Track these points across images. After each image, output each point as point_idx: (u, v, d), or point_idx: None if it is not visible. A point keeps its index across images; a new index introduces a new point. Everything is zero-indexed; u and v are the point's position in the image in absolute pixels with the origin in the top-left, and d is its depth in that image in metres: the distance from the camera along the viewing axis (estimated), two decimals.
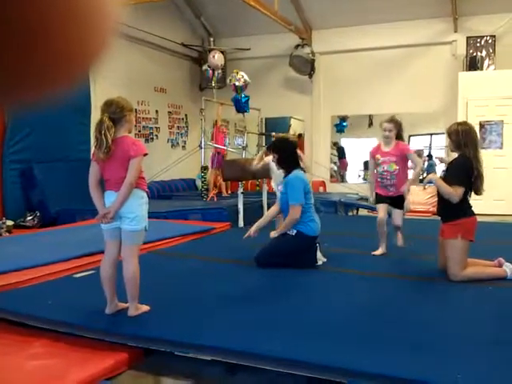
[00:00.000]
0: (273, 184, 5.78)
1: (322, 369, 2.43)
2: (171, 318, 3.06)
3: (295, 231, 4.54)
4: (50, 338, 2.98)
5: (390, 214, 5.07)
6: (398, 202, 4.93)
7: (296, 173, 4.61)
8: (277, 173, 5.20)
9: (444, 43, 10.68)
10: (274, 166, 5.15)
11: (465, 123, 4.35)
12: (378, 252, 4.99)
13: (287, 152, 4.72)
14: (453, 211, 3.96)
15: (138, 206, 2.99)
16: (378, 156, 4.92)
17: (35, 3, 0.34)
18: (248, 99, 9.39)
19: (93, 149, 8.76)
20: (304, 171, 4.78)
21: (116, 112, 2.94)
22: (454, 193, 3.92)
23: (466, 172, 3.95)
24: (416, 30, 10.62)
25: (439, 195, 4.15)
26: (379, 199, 4.97)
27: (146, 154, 3.01)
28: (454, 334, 2.82)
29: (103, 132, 2.86)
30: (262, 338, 2.74)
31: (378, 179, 4.96)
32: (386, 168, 4.87)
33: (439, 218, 4.21)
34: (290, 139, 5.11)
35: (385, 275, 4.25)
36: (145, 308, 3.14)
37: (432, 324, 3.01)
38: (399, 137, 4.97)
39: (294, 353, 2.56)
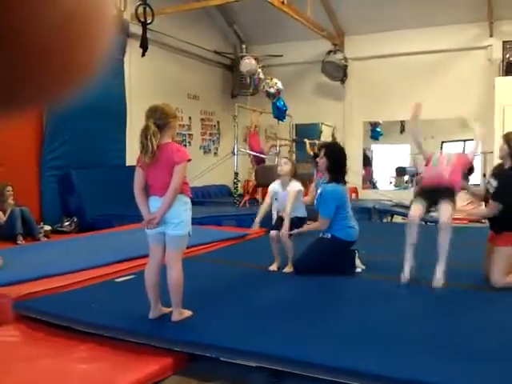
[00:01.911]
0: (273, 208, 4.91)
1: (367, 377, 2.40)
2: (214, 324, 3.06)
3: (330, 235, 4.54)
4: (94, 342, 3.01)
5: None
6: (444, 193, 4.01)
7: (332, 186, 4.56)
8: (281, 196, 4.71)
9: (479, 48, 10.51)
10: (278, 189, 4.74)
11: None
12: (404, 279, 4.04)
13: (338, 161, 4.65)
14: (508, 222, 3.92)
15: (183, 211, 3.01)
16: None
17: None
18: (287, 110, 9.46)
19: (128, 154, 8.85)
20: (345, 183, 4.73)
21: (161, 118, 2.97)
22: (490, 211, 3.97)
23: None
24: (450, 35, 10.48)
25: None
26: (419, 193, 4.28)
27: (189, 160, 3.03)
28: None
29: (149, 137, 2.90)
30: (305, 345, 2.72)
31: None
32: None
33: (489, 226, 4.16)
34: (343, 149, 4.86)
35: (423, 282, 4.17)
36: (188, 313, 3.15)
37: (478, 331, 2.94)
38: None
39: (338, 360, 2.53)
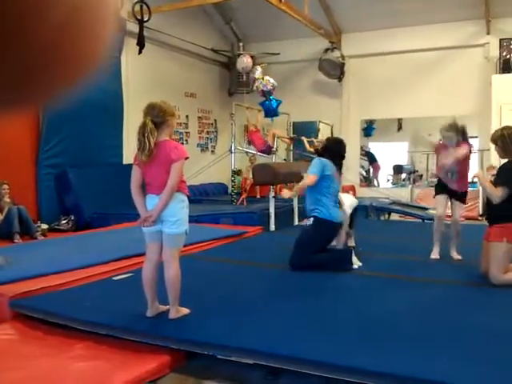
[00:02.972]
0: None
1: (368, 374, 2.40)
2: (212, 322, 3.06)
3: (312, 218, 4.63)
4: (91, 340, 3.01)
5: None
6: (459, 195, 4.92)
7: (322, 159, 4.74)
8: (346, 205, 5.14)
9: (476, 46, 10.52)
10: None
11: (509, 127, 4.28)
12: (434, 256, 4.94)
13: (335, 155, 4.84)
14: (502, 214, 3.93)
15: (180, 209, 3.01)
16: (442, 156, 4.90)
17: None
18: (280, 103, 9.42)
19: (125, 152, 8.82)
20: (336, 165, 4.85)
21: (159, 116, 2.96)
22: (496, 192, 3.93)
23: None
24: (448, 32, 10.49)
25: (488, 198, 4.12)
26: (439, 189, 4.97)
27: (187, 158, 3.03)
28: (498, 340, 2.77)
29: (146, 135, 2.89)
30: (303, 342, 2.73)
31: (442, 173, 4.96)
32: (448, 166, 4.82)
33: (486, 221, 4.17)
34: (343, 143, 5.08)
35: (421, 280, 4.19)
36: (185, 311, 3.15)
37: (474, 329, 2.95)
38: (464, 139, 4.87)
39: (335, 357, 2.53)
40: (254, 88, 9.88)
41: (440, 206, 4.95)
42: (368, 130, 12.66)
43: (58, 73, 0.40)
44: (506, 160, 4.10)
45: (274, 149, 9.16)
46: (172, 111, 3.07)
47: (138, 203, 3.04)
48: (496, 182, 4.01)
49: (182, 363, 2.83)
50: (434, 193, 5.07)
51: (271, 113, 9.66)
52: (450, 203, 5.00)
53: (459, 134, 4.82)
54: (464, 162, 4.82)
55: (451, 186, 4.88)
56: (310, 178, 4.62)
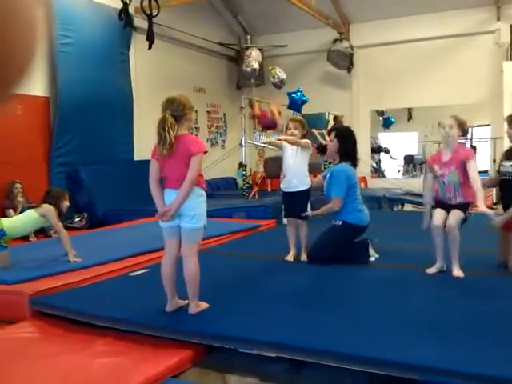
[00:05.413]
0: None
1: (390, 365, 2.38)
2: (231, 315, 3.05)
3: (341, 222, 4.52)
4: (112, 337, 3.01)
5: None
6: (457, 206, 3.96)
7: (342, 165, 4.57)
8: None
9: (487, 32, 10.40)
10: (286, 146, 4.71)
11: None
12: (432, 270, 4.06)
13: (349, 144, 4.69)
14: None
15: (198, 203, 3.00)
16: (437, 167, 4.00)
17: None
18: (306, 102, 9.42)
19: (136, 149, 8.75)
20: (355, 166, 4.71)
21: (178, 109, 2.95)
22: None
23: None
24: (457, 19, 10.38)
25: (504, 187, 4.04)
26: (437, 204, 4.07)
27: (205, 152, 3.02)
28: None
29: (167, 129, 2.88)
30: (325, 334, 2.71)
31: (440, 192, 4.04)
32: (447, 181, 3.95)
33: (503, 211, 4.09)
34: (353, 132, 4.91)
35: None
36: (205, 305, 3.14)
37: (493, 317, 2.92)
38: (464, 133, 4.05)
39: (357, 349, 2.51)
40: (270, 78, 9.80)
41: (437, 216, 3.99)
42: (386, 122, 12.56)
43: None
44: None
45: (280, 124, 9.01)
46: (190, 105, 3.06)
47: (156, 198, 3.03)
48: None
49: (204, 357, 2.82)
50: None
51: (295, 107, 9.65)
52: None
53: (460, 126, 3.93)
54: (464, 172, 3.89)
55: (450, 202, 3.96)
56: (337, 203, 4.48)
